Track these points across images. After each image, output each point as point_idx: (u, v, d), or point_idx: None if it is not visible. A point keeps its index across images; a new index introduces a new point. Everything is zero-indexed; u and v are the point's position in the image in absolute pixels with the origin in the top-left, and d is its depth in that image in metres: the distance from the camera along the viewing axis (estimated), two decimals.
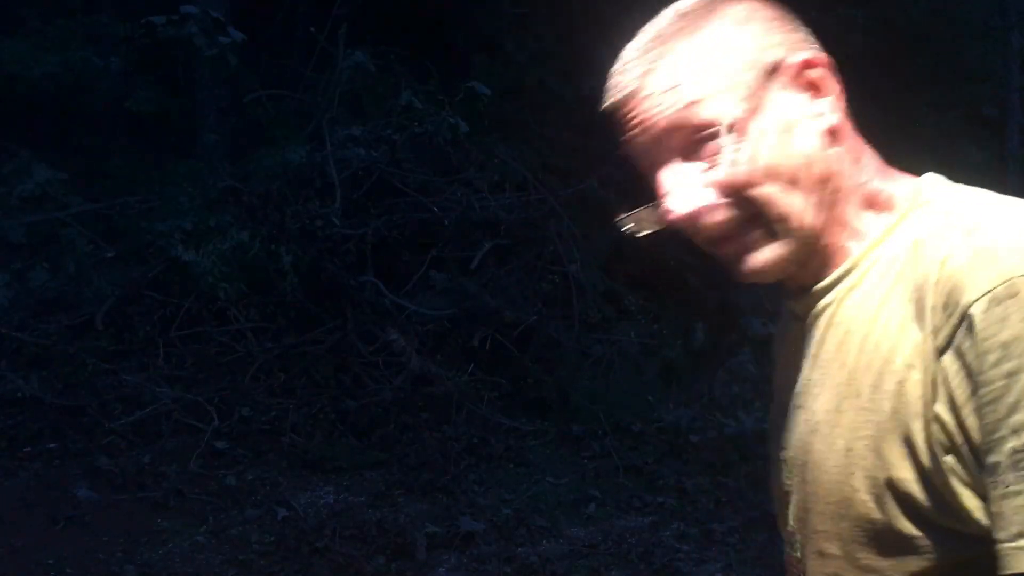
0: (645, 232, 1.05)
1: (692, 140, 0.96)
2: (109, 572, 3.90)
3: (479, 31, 7.64)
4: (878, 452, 0.93)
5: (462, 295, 5.74)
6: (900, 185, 1.01)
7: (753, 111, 0.96)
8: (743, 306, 6.62)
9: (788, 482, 1.06)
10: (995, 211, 0.94)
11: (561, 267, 6.11)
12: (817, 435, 1.00)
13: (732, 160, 0.95)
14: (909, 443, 0.91)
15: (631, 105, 0.98)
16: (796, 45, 1.00)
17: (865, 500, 0.94)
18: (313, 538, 4.12)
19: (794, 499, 1.05)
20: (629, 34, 1.03)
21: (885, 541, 0.94)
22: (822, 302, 1.01)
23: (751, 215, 0.96)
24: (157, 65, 7.12)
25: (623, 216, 1.04)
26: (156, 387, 5.23)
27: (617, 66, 1.01)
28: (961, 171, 1.18)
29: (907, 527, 0.92)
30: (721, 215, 0.97)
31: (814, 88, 0.99)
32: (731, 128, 0.95)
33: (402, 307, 5.66)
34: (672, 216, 0.98)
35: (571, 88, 7.35)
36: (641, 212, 1.03)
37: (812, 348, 1.03)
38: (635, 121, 0.98)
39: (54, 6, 7.33)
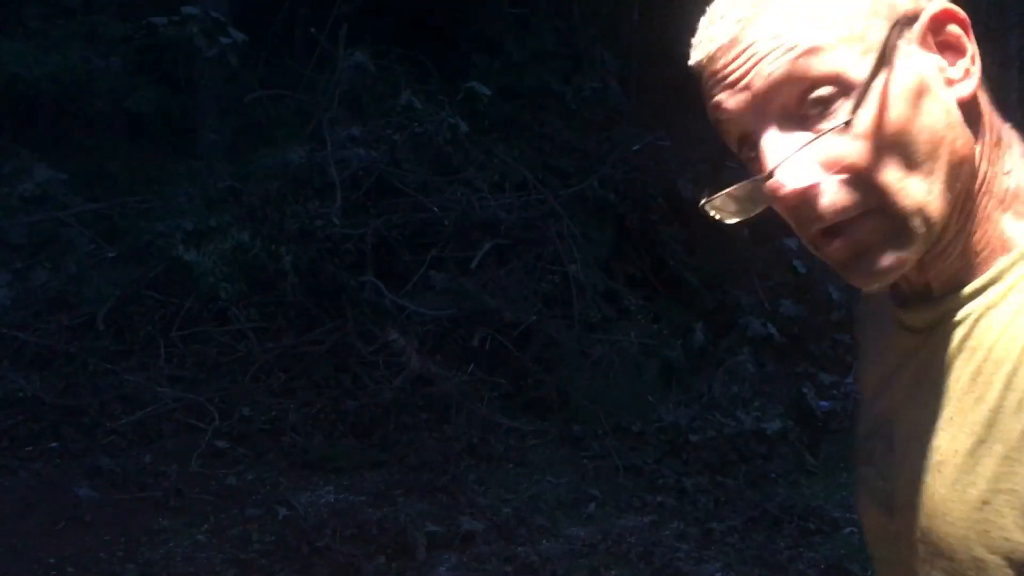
0: (735, 217, 0.86)
1: (802, 101, 0.80)
2: (110, 571, 3.90)
3: (479, 31, 7.64)
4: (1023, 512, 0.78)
5: (462, 295, 5.74)
6: None
7: (879, 68, 0.79)
8: (743, 306, 6.63)
9: (888, 514, 0.90)
10: None
11: (561, 267, 6.11)
12: (940, 478, 0.84)
13: (854, 128, 0.78)
14: None
15: (727, 57, 0.82)
16: None
17: (1000, 565, 0.79)
18: (313, 538, 4.12)
19: (900, 535, 0.89)
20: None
21: None
22: (955, 318, 0.84)
23: (873, 203, 0.79)
24: (158, 65, 7.13)
25: (708, 199, 0.85)
26: (157, 387, 5.23)
27: (708, 15, 0.85)
28: None
29: None
30: (841, 198, 0.79)
31: (951, 48, 0.83)
32: (853, 87, 0.79)
33: (402, 307, 5.67)
34: (783, 192, 0.79)
35: (571, 88, 7.36)
36: (736, 190, 0.83)
37: (934, 371, 0.85)
38: (731, 76, 0.81)
39: (55, 7, 7.33)
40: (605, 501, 4.72)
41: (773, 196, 0.80)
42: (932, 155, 0.79)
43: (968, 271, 0.84)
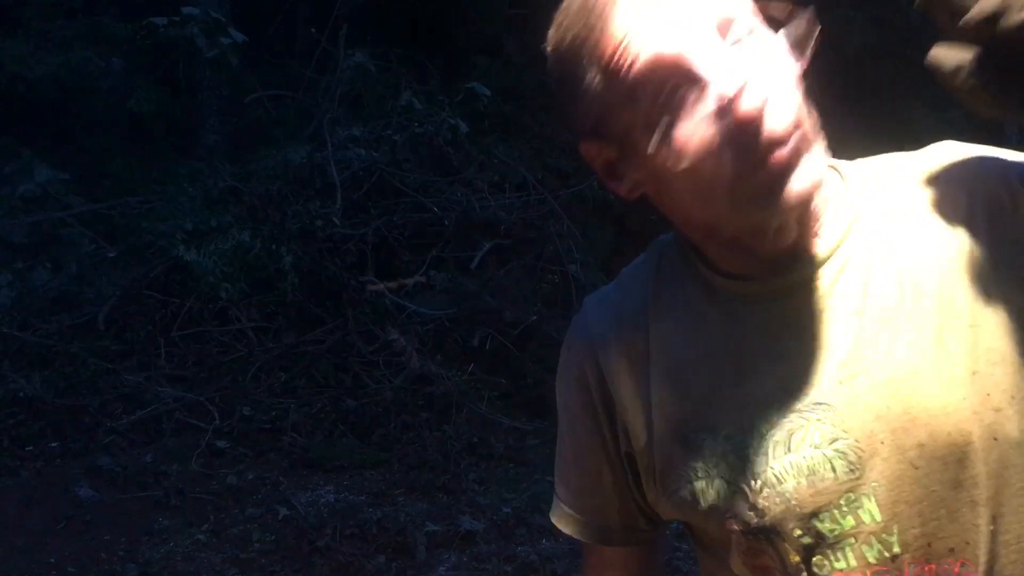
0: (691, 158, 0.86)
1: (730, 30, 0.85)
2: (110, 571, 3.90)
3: (479, 32, 7.65)
4: (1005, 361, 0.87)
5: (462, 295, 5.75)
6: None
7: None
8: None
9: (854, 474, 0.89)
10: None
11: (561, 267, 6.12)
12: (924, 382, 0.88)
13: (790, 47, 0.86)
14: None
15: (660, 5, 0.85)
16: None
17: (1010, 415, 0.87)
18: (314, 537, 4.12)
19: (874, 487, 0.88)
20: None
21: None
22: (840, 253, 0.93)
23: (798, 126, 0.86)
24: (158, 66, 7.14)
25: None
26: (157, 386, 5.24)
27: None
28: None
29: None
30: (793, 110, 0.85)
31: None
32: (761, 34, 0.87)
33: (402, 307, 5.67)
34: (748, 109, 0.83)
35: None
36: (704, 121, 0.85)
37: (846, 307, 0.91)
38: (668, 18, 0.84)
39: (56, 7, 7.34)
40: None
41: (750, 112, 0.82)
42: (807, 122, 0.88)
43: (823, 229, 0.93)
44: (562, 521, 1.10)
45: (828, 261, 0.93)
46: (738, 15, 0.86)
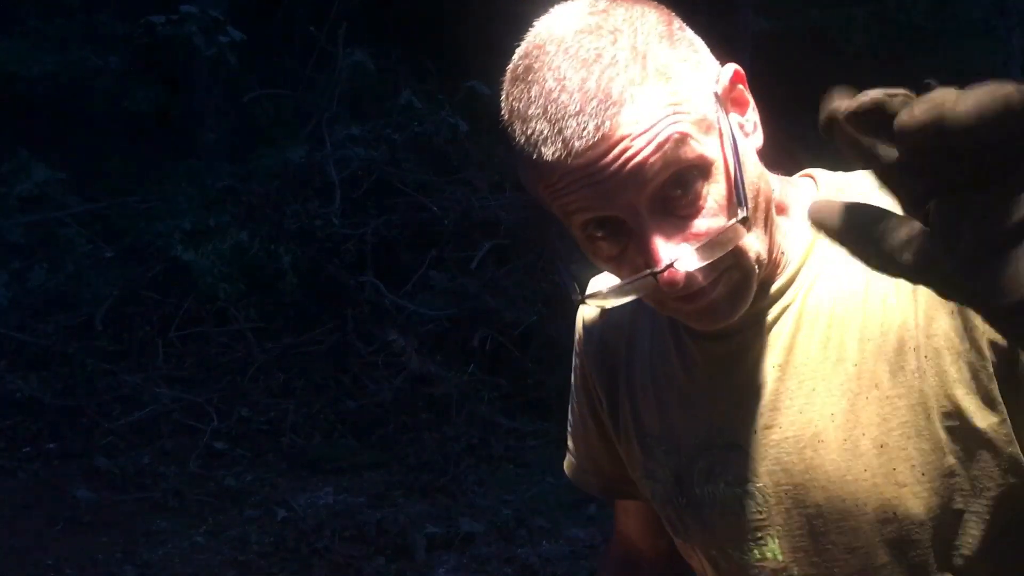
0: (613, 303, 0.90)
1: (667, 185, 0.82)
2: (108, 573, 3.89)
3: (479, 31, 7.63)
4: (920, 435, 0.85)
5: (462, 295, 5.73)
6: (784, 184, 0.96)
7: (724, 147, 0.84)
8: None
9: (760, 515, 0.94)
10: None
11: (562, 267, 6.09)
12: (824, 447, 0.89)
13: (726, 205, 0.83)
14: (956, 409, 0.84)
15: (595, 153, 0.80)
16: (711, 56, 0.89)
17: (918, 491, 0.86)
18: (312, 539, 4.11)
19: (779, 530, 0.93)
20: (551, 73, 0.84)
21: (945, 523, 0.86)
22: (780, 304, 0.92)
23: (728, 264, 0.85)
24: (156, 65, 7.12)
25: (592, 294, 0.90)
26: (155, 387, 5.22)
27: (547, 106, 0.81)
28: None
29: (973, 500, 0.85)
30: (708, 271, 0.84)
31: (739, 103, 0.89)
32: (709, 167, 0.83)
33: (402, 307, 5.65)
34: (677, 283, 0.83)
35: None
36: (624, 284, 0.86)
37: (771, 358, 0.92)
38: (602, 172, 0.81)
39: (53, 5, 7.32)
40: (605, 502, 4.71)
41: (663, 282, 0.83)
42: (758, 207, 0.86)
43: (772, 269, 0.92)
44: (571, 470, 1.21)
45: (773, 304, 0.93)
46: (681, 158, 0.82)
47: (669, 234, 0.83)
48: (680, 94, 0.82)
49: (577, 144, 0.80)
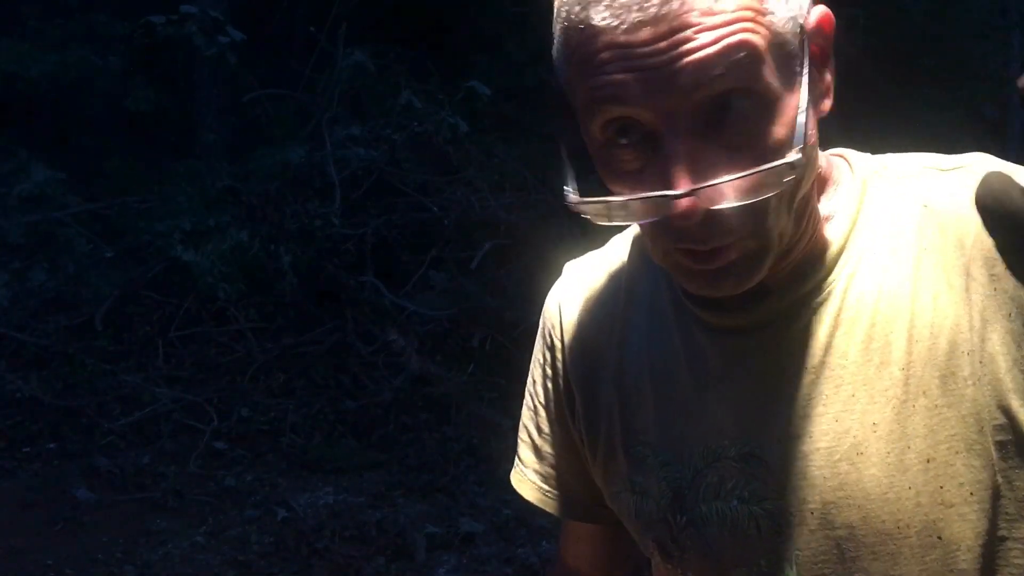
0: (609, 222, 0.76)
1: (716, 104, 0.70)
2: (108, 573, 3.89)
3: (479, 31, 7.63)
4: (971, 450, 0.76)
5: (462, 295, 5.73)
6: (826, 158, 0.85)
7: (794, 79, 0.72)
8: None
9: (779, 538, 0.82)
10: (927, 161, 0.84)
11: (561, 267, 6.09)
12: (864, 460, 0.78)
13: (778, 151, 0.70)
14: (1010, 422, 0.75)
15: (651, 33, 0.68)
16: None
17: (965, 512, 0.77)
18: (312, 539, 4.11)
19: (799, 555, 0.81)
20: None
21: (990, 551, 0.77)
22: (817, 299, 0.81)
23: (750, 229, 0.74)
24: (156, 65, 7.12)
25: (583, 200, 0.75)
26: (155, 387, 5.22)
27: None
28: None
29: (1018, 526, 0.77)
30: (733, 225, 0.72)
31: (821, 58, 0.77)
32: (770, 101, 0.71)
33: (402, 307, 5.65)
34: (692, 215, 0.70)
35: None
36: (630, 201, 0.72)
37: (803, 359, 0.81)
38: (650, 60, 0.68)
39: (53, 5, 7.32)
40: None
41: (676, 212, 0.70)
42: (805, 175, 0.75)
43: (807, 256, 0.81)
44: (523, 486, 1.06)
45: (803, 299, 0.82)
46: (738, 82, 0.69)
47: (701, 159, 0.70)
48: (766, 4, 0.70)
49: (633, 16, 0.67)
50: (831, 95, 0.78)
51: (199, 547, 4.09)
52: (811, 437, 0.80)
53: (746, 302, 0.82)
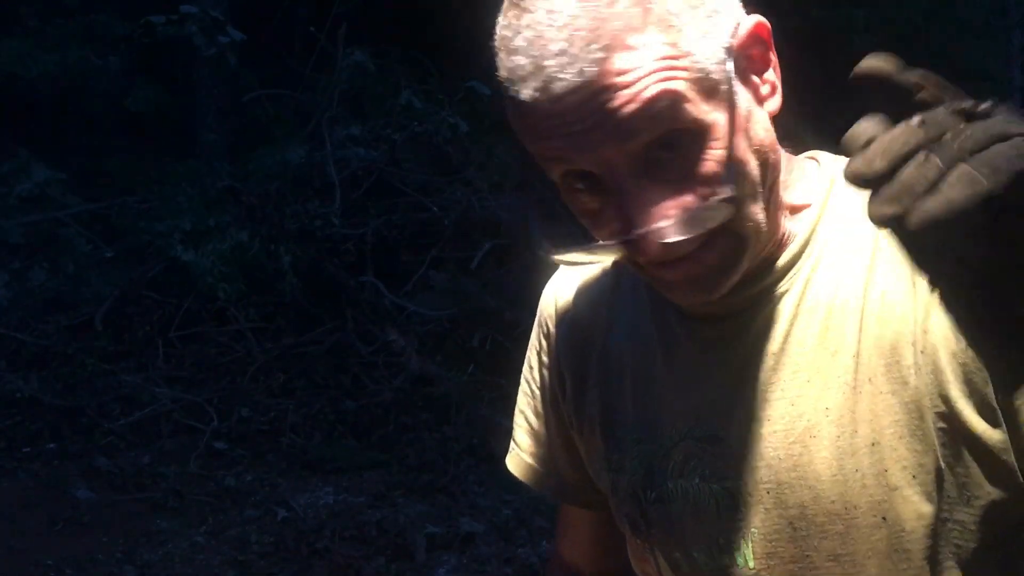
0: (582, 263, 0.85)
1: (652, 146, 0.75)
2: (108, 573, 3.88)
3: (479, 31, 7.63)
4: (913, 435, 0.80)
5: (462, 295, 5.72)
6: (791, 161, 0.89)
7: (731, 113, 0.77)
8: None
9: (735, 515, 0.87)
10: None
11: (560, 266, 6.09)
12: (816, 442, 0.83)
13: (733, 171, 0.76)
14: (950, 410, 0.78)
15: (576, 99, 0.73)
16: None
17: (909, 495, 0.80)
18: (312, 539, 4.11)
19: (754, 533, 0.86)
20: None
21: (934, 533, 0.80)
22: (777, 291, 0.86)
23: (718, 231, 0.78)
24: (156, 65, 7.11)
25: (562, 252, 0.83)
26: (155, 387, 5.22)
27: (531, 37, 0.75)
28: None
29: (960, 509, 0.80)
30: (693, 239, 0.77)
31: (759, 63, 0.81)
32: (705, 131, 0.76)
33: (402, 307, 5.65)
34: (654, 249, 0.76)
35: None
36: (599, 247, 0.80)
37: (767, 345, 0.85)
38: (580, 122, 0.74)
39: (52, 5, 7.31)
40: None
41: (642, 250, 0.76)
42: (763, 177, 0.80)
43: (774, 246, 0.85)
44: (518, 467, 1.10)
45: (769, 288, 0.86)
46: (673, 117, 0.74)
47: (651, 199, 0.75)
48: (681, 47, 0.74)
49: (556, 87, 0.73)
50: (778, 93, 0.82)
51: (199, 547, 4.09)
52: (769, 420, 0.85)
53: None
